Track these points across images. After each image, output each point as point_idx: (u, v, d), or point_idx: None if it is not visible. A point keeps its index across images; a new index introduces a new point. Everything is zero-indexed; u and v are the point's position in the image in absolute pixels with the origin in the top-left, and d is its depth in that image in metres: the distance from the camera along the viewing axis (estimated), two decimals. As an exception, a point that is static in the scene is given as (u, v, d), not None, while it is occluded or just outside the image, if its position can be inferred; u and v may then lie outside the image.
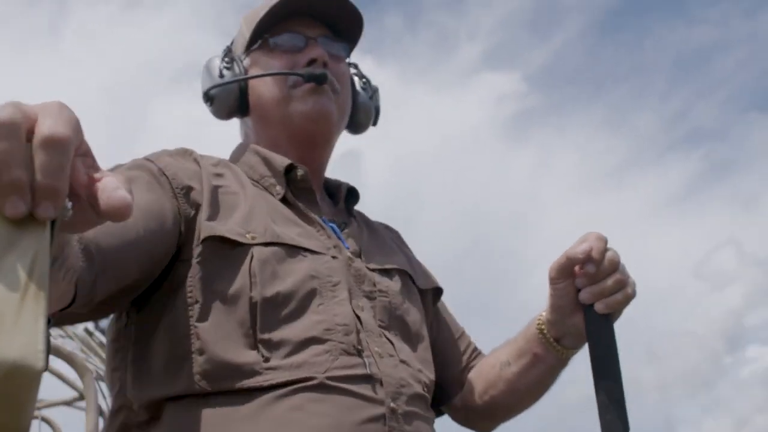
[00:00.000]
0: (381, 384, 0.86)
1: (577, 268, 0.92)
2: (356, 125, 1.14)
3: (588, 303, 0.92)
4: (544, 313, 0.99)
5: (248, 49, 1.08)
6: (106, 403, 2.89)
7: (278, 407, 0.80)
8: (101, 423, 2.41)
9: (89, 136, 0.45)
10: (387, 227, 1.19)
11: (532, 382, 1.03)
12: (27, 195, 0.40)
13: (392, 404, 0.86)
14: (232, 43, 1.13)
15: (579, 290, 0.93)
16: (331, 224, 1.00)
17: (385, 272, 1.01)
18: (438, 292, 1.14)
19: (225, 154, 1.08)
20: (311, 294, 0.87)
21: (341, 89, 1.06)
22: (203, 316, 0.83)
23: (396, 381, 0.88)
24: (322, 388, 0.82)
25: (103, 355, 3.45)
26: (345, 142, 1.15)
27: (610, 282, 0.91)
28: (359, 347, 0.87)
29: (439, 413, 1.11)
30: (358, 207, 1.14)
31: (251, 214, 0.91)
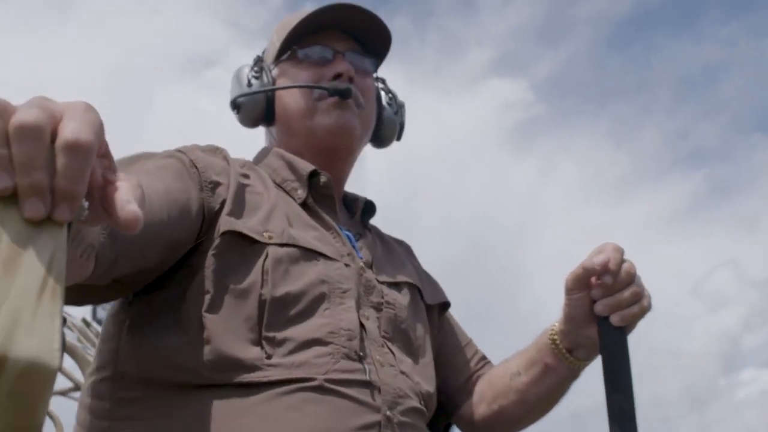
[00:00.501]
0: (379, 391, 0.87)
1: (593, 279, 0.92)
2: (380, 139, 1.16)
3: (603, 315, 0.91)
4: (556, 324, 0.99)
5: (277, 59, 1.09)
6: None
7: (275, 405, 0.80)
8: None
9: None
10: (399, 241, 1.20)
11: (542, 393, 1.03)
12: (47, 198, 0.41)
13: (388, 413, 0.86)
14: (263, 53, 1.15)
15: (594, 302, 0.93)
16: (346, 233, 1.01)
17: (395, 285, 1.02)
18: (445, 306, 1.15)
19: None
20: (320, 298, 0.88)
21: (366, 104, 1.07)
22: (212, 308, 0.83)
23: (394, 390, 0.89)
24: (320, 389, 0.82)
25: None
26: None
27: (626, 294, 0.90)
28: (361, 353, 0.88)
29: (448, 425, 1.11)
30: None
31: (271, 214, 0.92)
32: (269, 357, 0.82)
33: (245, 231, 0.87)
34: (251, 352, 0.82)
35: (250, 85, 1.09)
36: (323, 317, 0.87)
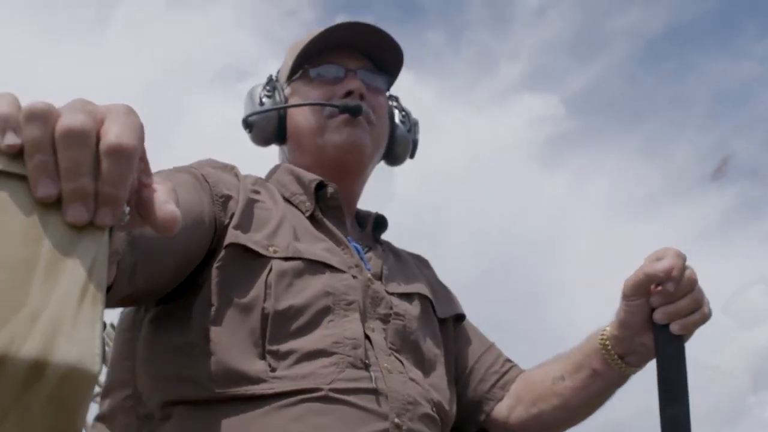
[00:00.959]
0: (386, 399, 0.86)
1: (653, 285, 0.90)
2: (393, 157, 1.16)
3: (663, 323, 0.89)
4: (608, 328, 0.97)
5: (290, 78, 1.10)
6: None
7: (279, 417, 0.80)
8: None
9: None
10: (415, 255, 1.19)
11: (586, 398, 1.02)
12: (91, 203, 0.40)
13: (396, 420, 0.85)
14: (277, 72, 1.16)
15: (652, 309, 0.90)
16: (355, 245, 1.01)
17: (405, 296, 1.02)
18: (459, 318, 1.14)
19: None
20: (324, 310, 0.88)
21: (377, 121, 1.07)
22: (217, 321, 0.84)
23: (403, 397, 0.88)
24: (325, 399, 0.82)
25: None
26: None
27: (687, 302, 0.88)
28: (367, 361, 0.87)
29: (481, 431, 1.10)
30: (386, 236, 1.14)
31: (278, 229, 0.92)
32: (273, 370, 0.82)
33: (249, 244, 0.88)
34: (256, 365, 0.82)
35: (261, 104, 1.10)
36: (327, 329, 0.87)
